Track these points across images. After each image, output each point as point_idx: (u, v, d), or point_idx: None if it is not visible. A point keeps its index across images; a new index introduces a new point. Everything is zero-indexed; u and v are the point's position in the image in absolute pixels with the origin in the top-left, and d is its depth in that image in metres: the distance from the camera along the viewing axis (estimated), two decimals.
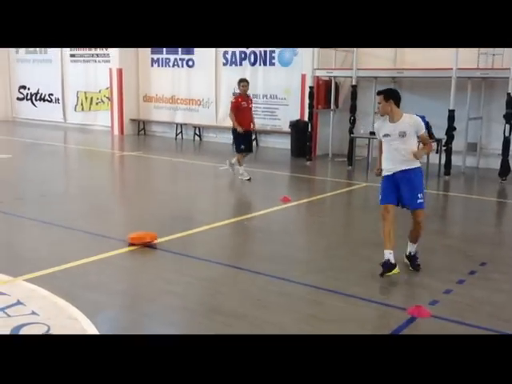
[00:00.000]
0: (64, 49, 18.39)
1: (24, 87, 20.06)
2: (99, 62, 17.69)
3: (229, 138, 15.42)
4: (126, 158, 13.29)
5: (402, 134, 5.09)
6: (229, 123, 15.40)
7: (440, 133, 10.36)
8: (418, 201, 5.11)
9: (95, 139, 16.17)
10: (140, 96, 17.35)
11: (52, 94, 19.21)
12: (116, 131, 17.09)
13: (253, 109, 10.20)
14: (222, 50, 15.23)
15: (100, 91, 17.88)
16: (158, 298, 4.58)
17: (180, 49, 16.17)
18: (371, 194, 8.66)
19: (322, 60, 12.51)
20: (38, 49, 19.30)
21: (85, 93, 18.28)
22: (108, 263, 5.38)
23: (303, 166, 11.91)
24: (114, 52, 16.74)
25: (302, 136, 12.65)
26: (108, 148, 14.98)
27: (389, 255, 5.06)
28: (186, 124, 16.44)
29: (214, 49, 15.23)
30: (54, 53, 18.77)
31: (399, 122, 5.13)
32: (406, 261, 5.39)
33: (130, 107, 17.18)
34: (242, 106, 9.70)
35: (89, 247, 5.81)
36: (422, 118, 5.54)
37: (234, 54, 15.14)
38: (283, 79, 14.18)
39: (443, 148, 10.55)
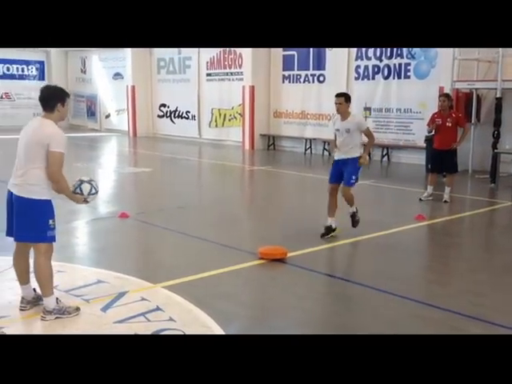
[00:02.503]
0: (201, 68, 19.43)
1: (164, 105, 21.46)
2: (233, 80, 18.41)
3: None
4: (255, 172, 13.61)
5: (348, 131, 6.53)
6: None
7: None
8: (351, 181, 6.58)
9: (227, 154, 16.79)
10: (271, 112, 17.73)
11: (189, 112, 20.33)
12: (247, 146, 17.61)
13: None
14: (355, 64, 15.08)
15: (233, 108, 18.58)
16: (286, 313, 4.57)
17: (311, 64, 16.30)
18: None
19: (462, 71, 11.88)
20: (177, 68, 20.60)
21: (219, 110, 19.10)
22: (239, 275, 5.48)
23: (439, 183, 11.30)
24: (247, 70, 17.33)
25: None
26: (239, 162, 15.45)
27: (330, 221, 6.68)
28: (315, 139, 16.48)
29: (346, 63, 15.14)
30: (192, 72, 19.91)
31: (347, 121, 6.56)
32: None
33: (261, 123, 17.62)
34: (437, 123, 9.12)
35: (221, 258, 5.98)
36: None
37: (366, 67, 14.93)
38: (419, 92, 13.66)
39: None
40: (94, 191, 4.38)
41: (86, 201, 4.39)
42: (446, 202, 9.12)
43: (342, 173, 6.61)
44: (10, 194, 4.16)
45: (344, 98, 6.58)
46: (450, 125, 8.98)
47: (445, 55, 12.53)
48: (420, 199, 9.20)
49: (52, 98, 4.16)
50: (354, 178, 6.57)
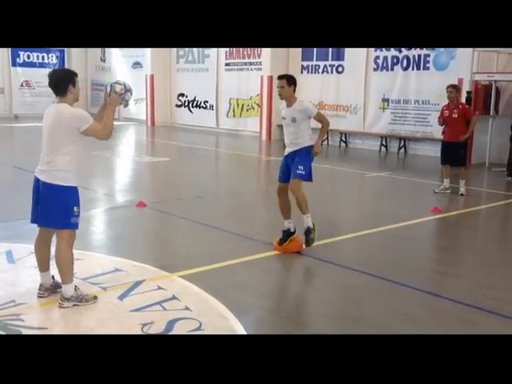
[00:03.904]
0: (220, 58, 19.42)
1: (182, 95, 21.50)
2: (251, 70, 18.37)
3: (376, 145, 15.17)
4: (272, 162, 13.61)
5: (293, 120, 5.61)
6: (376, 130, 15.20)
7: None
8: (297, 172, 5.59)
9: (244, 144, 16.81)
10: None
11: (207, 101, 20.35)
12: (264, 136, 17.60)
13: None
14: (374, 54, 14.96)
15: (251, 98, 18.56)
16: (302, 304, 4.60)
17: (330, 55, 16.21)
18: None
19: (482, 63, 11.72)
20: (196, 58, 20.61)
21: (237, 100, 19.10)
22: (255, 265, 5.52)
23: (456, 176, 11.21)
24: (266, 60, 17.28)
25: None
26: (256, 153, 15.47)
27: (287, 224, 5.83)
28: (332, 130, 16.39)
29: (365, 54, 15.02)
30: (210, 62, 19.90)
31: (292, 108, 5.63)
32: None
33: (279, 113, 17.47)
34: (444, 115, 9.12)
35: (237, 248, 6.02)
36: None
37: (385, 58, 14.80)
38: (437, 84, 13.49)
39: None
40: (127, 88, 4.45)
41: (124, 100, 4.47)
42: (462, 195, 9.05)
43: (289, 167, 5.74)
44: (37, 180, 4.23)
45: (286, 80, 5.60)
46: (457, 116, 8.91)
47: None
48: (434, 191, 9.14)
49: (62, 82, 4.18)
50: (301, 167, 5.59)
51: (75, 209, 4.20)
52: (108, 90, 4.44)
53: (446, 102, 9.20)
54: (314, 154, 5.73)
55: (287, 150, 5.82)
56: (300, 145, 5.70)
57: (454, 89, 9.03)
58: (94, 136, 4.25)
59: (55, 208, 4.15)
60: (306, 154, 5.68)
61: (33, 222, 4.34)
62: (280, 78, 5.68)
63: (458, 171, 9.29)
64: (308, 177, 5.70)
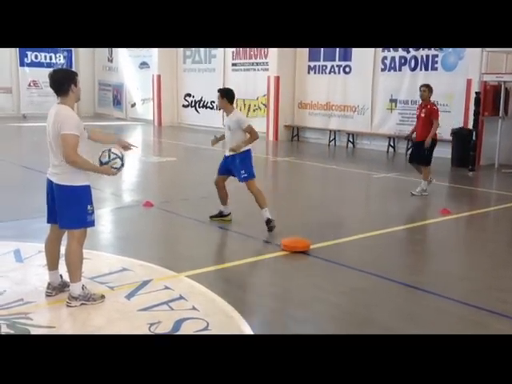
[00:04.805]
0: (227, 58, 19.42)
1: (189, 95, 21.51)
2: (258, 70, 18.35)
3: (383, 146, 15.10)
4: (279, 163, 13.59)
5: (229, 127, 6.55)
6: (383, 131, 15.13)
7: None
8: (242, 176, 6.54)
9: (251, 145, 16.75)
10: (295, 103, 17.65)
11: (214, 102, 20.30)
12: (271, 137, 17.57)
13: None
14: (382, 55, 14.91)
15: (257, 98, 18.54)
16: (309, 304, 4.57)
17: (337, 55, 16.16)
18: None
19: (490, 64, 11.64)
20: (203, 58, 20.62)
21: (243, 100, 19.08)
22: (261, 265, 5.51)
23: (465, 177, 11.17)
24: (272, 60, 17.26)
25: (465, 145, 11.88)
26: (262, 153, 15.43)
27: (224, 208, 6.95)
28: (339, 130, 16.37)
29: (372, 54, 14.97)
30: (217, 62, 19.90)
31: (228, 118, 6.59)
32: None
33: (285, 114, 17.56)
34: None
35: (243, 248, 6.01)
36: None
37: (393, 59, 14.74)
38: (445, 84, 13.42)
39: None
40: (113, 157, 4.35)
41: (113, 168, 4.36)
42: (412, 194, 8.94)
43: (230, 169, 6.68)
44: (50, 182, 4.25)
45: (220, 94, 6.57)
46: (424, 116, 8.99)
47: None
48: (412, 194, 9.01)
49: (64, 82, 4.16)
50: (243, 172, 6.54)
51: (89, 207, 4.22)
52: (109, 160, 4.34)
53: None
54: (230, 150, 6.52)
55: (227, 153, 6.67)
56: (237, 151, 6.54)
57: (427, 88, 9.12)
58: (64, 148, 4.04)
59: (70, 209, 4.17)
60: (244, 158, 6.58)
61: (49, 222, 4.35)
62: (218, 91, 6.69)
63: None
64: (251, 176, 6.59)
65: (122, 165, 4.43)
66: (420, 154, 9.08)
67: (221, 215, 6.98)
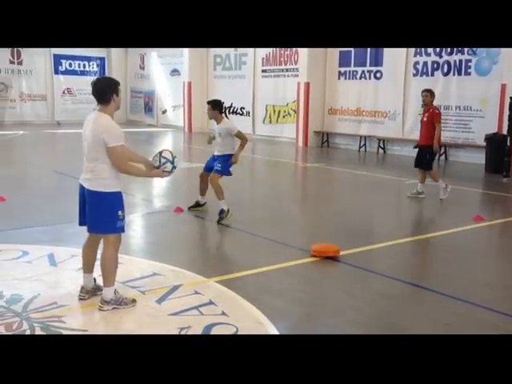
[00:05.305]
0: (257, 65, 19.50)
1: None
2: (288, 76, 18.37)
3: (415, 152, 14.87)
4: (309, 169, 13.56)
5: (219, 134, 7.40)
6: (415, 136, 14.93)
7: None
8: (215, 167, 7.35)
9: (280, 150, 16.78)
10: (325, 109, 17.59)
11: (243, 108, 20.45)
12: (300, 143, 17.55)
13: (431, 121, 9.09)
14: (413, 60, 14.75)
15: (287, 104, 18.55)
16: (338, 311, 4.54)
17: (368, 61, 16.06)
18: None
19: None
20: (233, 65, 20.75)
21: (273, 106, 19.12)
22: (291, 272, 5.49)
23: (499, 183, 10.93)
24: (303, 66, 17.26)
25: (499, 150, 11.65)
26: (292, 159, 15.43)
27: (201, 198, 7.88)
28: (370, 136, 16.24)
29: (404, 59, 14.83)
30: (247, 68, 20.01)
31: (219, 125, 7.40)
32: None
33: (315, 120, 17.52)
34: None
35: (273, 254, 6.00)
36: None
37: (425, 64, 14.57)
38: (479, 89, 13.22)
39: None
40: (164, 161, 4.46)
41: (165, 171, 4.48)
42: (408, 196, 9.12)
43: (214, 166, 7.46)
44: (82, 187, 4.33)
45: (210, 106, 7.39)
46: (426, 120, 8.96)
47: (508, 52, 12.09)
48: (407, 195, 9.24)
49: (107, 91, 4.23)
50: (218, 165, 7.33)
51: (120, 213, 4.27)
52: (160, 164, 4.45)
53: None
54: (231, 162, 7.36)
55: (216, 153, 7.51)
56: (223, 152, 7.40)
57: (429, 93, 9.05)
58: (113, 159, 4.15)
59: (101, 214, 4.24)
60: (226, 159, 7.38)
61: (80, 224, 4.44)
62: (207, 103, 7.55)
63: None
64: (222, 172, 7.35)
65: (174, 167, 4.52)
66: (421, 158, 9.13)
67: (198, 205, 7.82)
